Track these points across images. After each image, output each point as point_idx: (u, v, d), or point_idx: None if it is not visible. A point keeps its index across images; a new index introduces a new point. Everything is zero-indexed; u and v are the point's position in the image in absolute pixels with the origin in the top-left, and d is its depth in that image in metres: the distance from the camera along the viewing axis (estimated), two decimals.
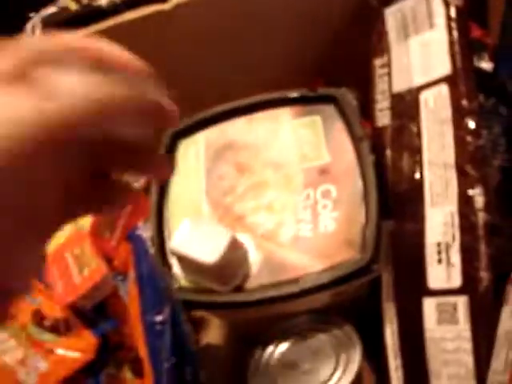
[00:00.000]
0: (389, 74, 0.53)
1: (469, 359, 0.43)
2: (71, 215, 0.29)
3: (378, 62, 0.54)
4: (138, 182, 0.57)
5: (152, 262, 0.51)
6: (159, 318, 0.50)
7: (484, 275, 0.43)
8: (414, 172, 0.48)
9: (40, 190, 0.24)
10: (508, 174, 0.48)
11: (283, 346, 0.48)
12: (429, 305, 0.45)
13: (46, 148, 0.23)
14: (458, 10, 0.50)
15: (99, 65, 0.25)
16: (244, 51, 0.61)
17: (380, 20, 0.54)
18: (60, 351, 0.54)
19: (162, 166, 0.32)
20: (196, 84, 0.61)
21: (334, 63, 0.62)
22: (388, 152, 0.50)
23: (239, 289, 0.48)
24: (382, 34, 0.54)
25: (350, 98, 0.52)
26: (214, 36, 0.59)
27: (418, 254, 0.46)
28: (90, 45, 0.27)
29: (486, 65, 0.57)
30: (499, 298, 0.43)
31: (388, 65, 0.53)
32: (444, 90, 0.48)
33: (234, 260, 0.47)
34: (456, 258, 0.44)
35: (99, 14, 0.58)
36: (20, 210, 0.23)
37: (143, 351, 0.50)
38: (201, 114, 0.55)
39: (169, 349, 0.50)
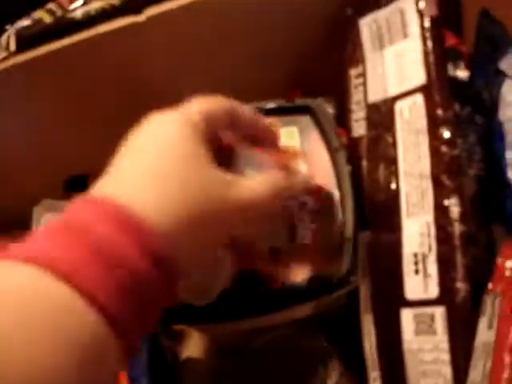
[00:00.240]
0: (364, 84, 0.53)
1: (447, 370, 0.43)
2: None
3: (353, 72, 0.54)
4: None
5: None
6: None
7: (461, 286, 0.43)
8: (390, 182, 0.48)
9: None
10: (484, 183, 0.49)
11: (262, 359, 0.48)
12: (406, 316, 0.45)
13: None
14: (432, 19, 0.50)
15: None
16: (219, 63, 0.61)
17: (355, 30, 0.54)
18: None
19: None
20: (170, 96, 0.61)
21: (311, 73, 0.62)
22: (364, 162, 0.50)
23: (218, 302, 0.47)
24: (357, 45, 0.54)
25: (325, 108, 0.52)
26: (188, 48, 0.59)
27: (395, 264, 0.46)
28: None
29: (462, 73, 0.57)
30: (477, 309, 0.43)
31: (363, 75, 0.53)
32: (419, 99, 0.48)
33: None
34: (433, 268, 0.44)
35: (73, 27, 0.57)
36: None
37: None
38: None
39: (145, 364, 0.50)
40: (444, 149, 0.46)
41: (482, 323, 0.42)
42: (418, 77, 0.49)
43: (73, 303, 0.26)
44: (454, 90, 0.49)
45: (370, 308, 0.47)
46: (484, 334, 0.41)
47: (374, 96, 0.52)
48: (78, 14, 0.59)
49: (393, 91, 0.50)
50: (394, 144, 0.49)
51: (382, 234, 0.47)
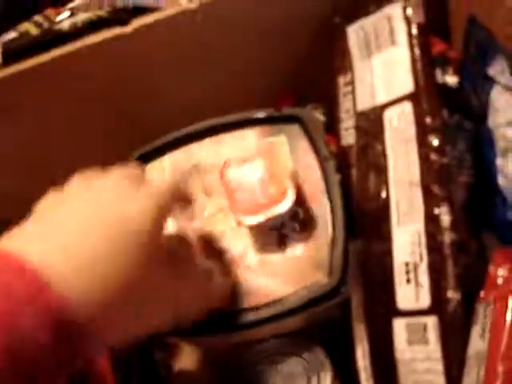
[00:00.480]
0: (353, 92, 0.53)
1: (440, 380, 0.42)
2: None
3: (341, 80, 0.54)
4: None
5: None
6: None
7: (452, 295, 0.43)
8: (380, 191, 0.48)
9: None
10: (474, 190, 0.48)
11: (254, 371, 0.48)
12: (399, 325, 0.44)
13: None
14: (420, 27, 0.50)
15: None
16: (208, 72, 0.61)
17: (343, 37, 0.54)
18: None
19: None
20: (159, 106, 0.61)
21: (304, 80, 0.62)
22: (354, 171, 0.50)
23: (209, 315, 0.47)
24: (345, 52, 0.54)
25: (315, 117, 0.52)
26: (176, 58, 0.59)
27: (386, 274, 0.46)
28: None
29: (451, 79, 0.57)
30: (469, 318, 0.42)
31: (352, 83, 0.53)
32: (407, 107, 0.48)
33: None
34: (424, 277, 0.44)
35: (60, 38, 0.57)
36: None
37: (111, 380, 0.50)
38: (166, 137, 0.54)
39: (137, 376, 0.50)
40: (433, 157, 0.46)
41: (475, 332, 0.41)
42: (406, 85, 0.49)
43: None
44: (442, 96, 0.49)
45: (362, 318, 0.47)
46: (477, 343, 0.41)
47: (363, 104, 0.51)
48: (65, 25, 0.59)
49: (381, 99, 0.50)
50: (384, 152, 0.48)
51: (373, 243, 0.47)
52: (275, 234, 0.48)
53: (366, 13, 0.53)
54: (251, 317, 0.45)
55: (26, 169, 0.61)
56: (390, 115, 0.49)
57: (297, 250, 0.47)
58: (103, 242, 0.32)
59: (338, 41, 0.55)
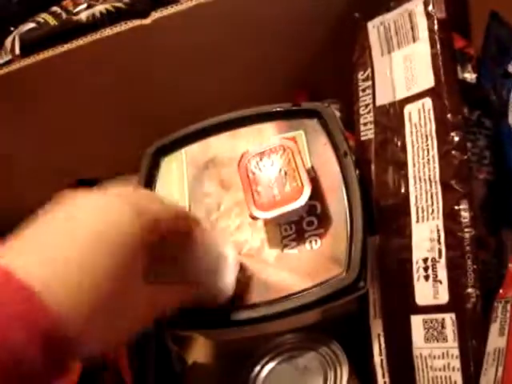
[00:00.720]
0: (372, 88, 0.52)
1: (457, 377, 0.42)
2: None
3: (361, 75, 0.54)
4: None
5: None
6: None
7: (471, 291, 0.43)
8: (399, 187, 0.48)
9: None
10: (493, 187, 0.48)
11: (270, 365, 0.48)
12: (416, 322, 0.44)
13: None
14: (441, 22, 0.50)
15: None
16: (226, 65, 0.61)
17: (363, 33, 0.54)
18: None
19: None
20: (178, 98, 0.60)
21: (319, 76, 0.62)
22: (373, 166, 0.50)
23: (225, 308, 0.47)
24: (365, 47, 0.54)
25: (333, 112, 0.51)
26: (195, 50, 0.58)
27: (404, 270, 0.46)
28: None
29: (470, 75, 0.56)
30: (487, 315, 0.42)
31: (371, 78, 0.53)
32: (428, 103, 0.48)
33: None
34: (443, 274, 0.44)
35: (79, 30, 0.57)
36: None
37: (127, 373, 0.50)
38: (183, 130, 0.54)
39: (152, 368, 0.50)
40: (453, 153, 0.45)
41: (494, 329, 0.41)
42: (427, 80, 0.48)
43: None
44: (462, 92, 0.48)
45: (379, 313, 0.46)
46: (495, 341, 0.41)
47: (382, 99, 0.51)
48: (83, 16, 0.59)
49: (401, 94, 0.50)
50: (403, 148, 0.48)
51: (392, 239, 0.47)
52: (293, 229, 0.48)
53: (386, 8, 0.53)
54: (268, 311, 0.45)
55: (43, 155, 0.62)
56: (410, 110, 0.49)
57: (314, 245, 0.47)
58: (90, 256, 0.32)
59: (358, 36, 0.55)
